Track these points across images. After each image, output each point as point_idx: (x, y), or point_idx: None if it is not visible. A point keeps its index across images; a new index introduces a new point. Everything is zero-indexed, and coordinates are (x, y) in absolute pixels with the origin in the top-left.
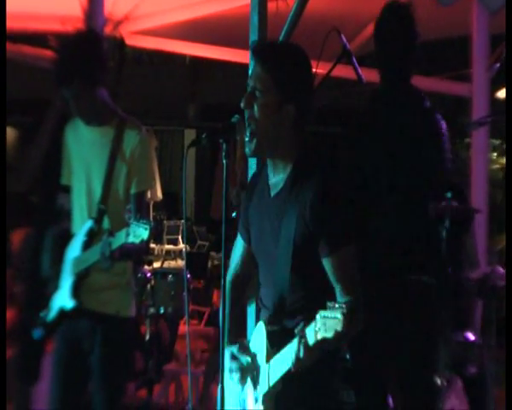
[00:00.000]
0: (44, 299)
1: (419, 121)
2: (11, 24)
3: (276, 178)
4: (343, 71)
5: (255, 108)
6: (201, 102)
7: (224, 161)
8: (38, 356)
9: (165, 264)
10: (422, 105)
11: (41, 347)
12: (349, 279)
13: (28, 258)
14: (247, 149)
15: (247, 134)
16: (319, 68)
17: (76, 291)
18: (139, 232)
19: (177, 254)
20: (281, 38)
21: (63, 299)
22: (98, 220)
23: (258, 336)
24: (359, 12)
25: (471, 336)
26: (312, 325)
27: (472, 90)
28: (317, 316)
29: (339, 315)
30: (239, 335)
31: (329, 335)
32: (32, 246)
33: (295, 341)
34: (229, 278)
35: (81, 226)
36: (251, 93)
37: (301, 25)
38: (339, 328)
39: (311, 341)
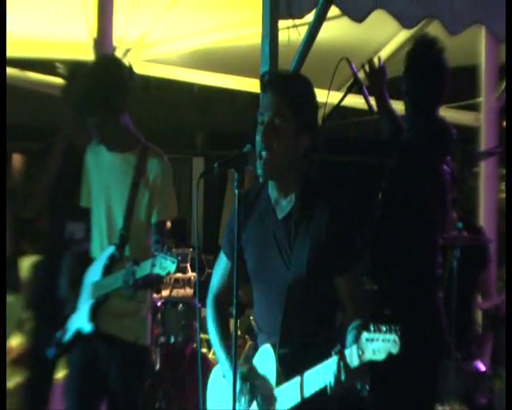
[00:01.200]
0: (55, 325)
1: (440, 152)
2: (19, 51)
3: (284, 201)
4: (352, 100)
5: (274, 137)
6: (209, 130)
7: (236, 191)
8: (47, 384)
9: (174, 292)
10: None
11: (50, 374)
12: (363, 298)
13: (37, 285)
14: (259, 171)
15: (262, 157)
16: (329, 98)
17: (94, 315)
18: (166, 265)
19: (185, 282)
20: (292, 68)
21: (80, 322)
22: (120, 247)
23: (264, 360)
24: (369, 40)
25: (482, 367)
26: (354, 347)
27: (481, 120)
28: (362, 338)
29: (394, 337)
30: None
31: (381, 357)
32: (41, 273)
33: (333, 362)
34: (210, 298)
35: (100, 251)
36: (270, 123)
37: (311, 54)
38: (394, 350)
39: (353, 363)
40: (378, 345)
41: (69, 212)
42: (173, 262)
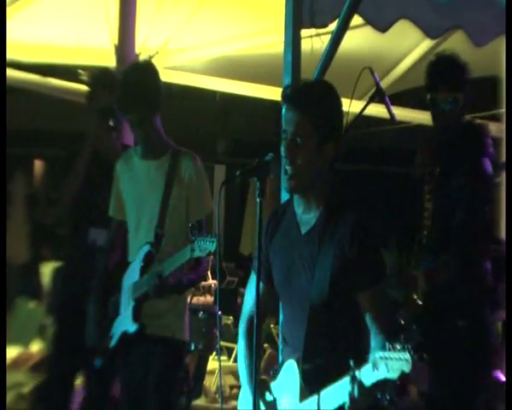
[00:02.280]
0: (77, 332)
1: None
2: (40, 57)
3: (308, 215)
4: (375, 109)
5: (297, 153)
6: (231, 137)
7: (258, 200)
8: (68, 390)
9: (194, 299)
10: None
11: (70, 381)
12: (386, 315)
13: (59, 292)
14: (286, 186)
15: (287, 172)
16: (351, 107)
17: (138, 315)
18: (205, 246)
19: (205, 290)
20: (314, 77)
21: (125, 323)
22: (156, 244)
23: (288, 375)
24: (392, 50)
25: (502, 377)
26: (369, 365)
27: (503, 130)
28: (376, 356)
29: (407, 356)
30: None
31: (394, 375)
32: (63, 280)
33: (346, 380)
34: (244, 320)
35: (135, 254)
36: (292, 141)
37: (334, 63)
38: (406, 369)
39: (368, 382)
40: (392, 364)
41: (92, 218)
42: (212, 242)
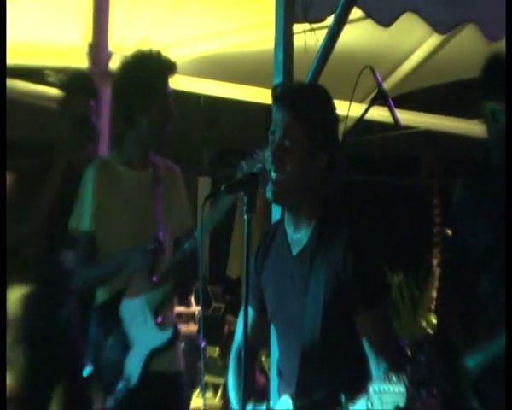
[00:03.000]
0: (52, 364)
1: None
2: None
3: (298, 235)
4: (377, 113)
5: (285, 158)
6: (217, 146)
7: (246, 217)
8: None
9: None
10: None
11: None
12: (387, 341)
13: (30, 320)
14: (268, 194)
15: (272, 180)
16: (351, 111)
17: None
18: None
19: (189, 317)
20: (308, 77)
21: (150, 342)
22: (157, 252)
23: None
24: (396, 46)
25: None
26: (363, 399)
27: None
28: (370, 390)
29: (402, 388)
30: None
31: (389, 408)
32: (32, 306)
33: None
34: (235, 354)
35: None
36: (280, 145)
37: (331, 61)
38: (401, 403)
39: None
40: (386, 397)
41: (65, 237)
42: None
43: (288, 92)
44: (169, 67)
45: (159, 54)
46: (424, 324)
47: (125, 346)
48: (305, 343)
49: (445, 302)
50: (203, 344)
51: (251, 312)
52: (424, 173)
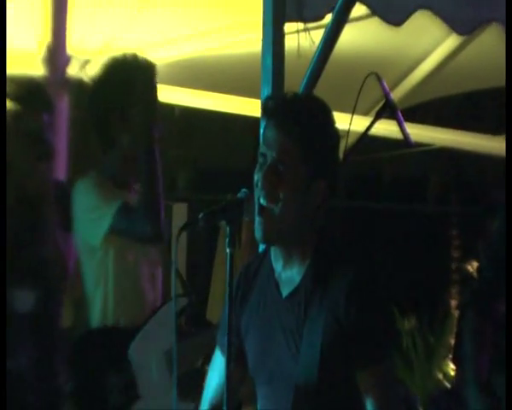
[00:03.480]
0: None
1: None
2: None
3: (289, 273)
4: (384, 128)
5: (278, 185)
6: (195, 167)
7: (228, 250)
8: None
9: None
10: None
11: None
12: (394, 401)
13: None
14: (259, 235)
15: (260, 211)
16: (353, 125)
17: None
18: None
19: None
20: (302, 86)
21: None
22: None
23: None
24: (406, 50)
25: None
26: None
27: None
28: None
29: None
30: None
31: None
32: None
33: None
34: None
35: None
36: (273, 168)
37: (329, 67)
38: None
39: None
40: None
41: (15, 276)
42: None
43: (281, 108)
44: (149, 70)
45: (135, 57)
46: (440, 376)
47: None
48: (296, 403)
49: (475, 338)
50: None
51: (223, 362)
52: (438, 198)
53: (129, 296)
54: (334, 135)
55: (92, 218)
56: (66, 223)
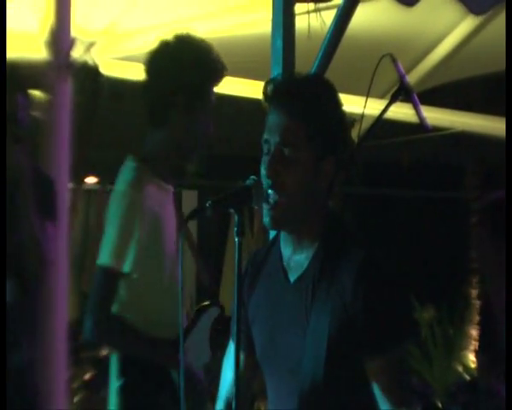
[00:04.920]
0: None
1: None
2: None
3: (298, 258)
4: (402, 112)
5: (284, 171)
6: (205, 152)
7: (237, 239)
8: None
9: None
10: None
11: None
12: (401, 391)
13: None
14: (266, 220)
15: (270, 201)
16: (369, 109)
17: None
18: None
19: None
20: (314, 68)
21: None
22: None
23: None
24: (422, 31)
25: None
26: None
27: None
28: None
29: None
30: None
31: None
32: None
33: None
34: (221, 405)
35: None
36: (277, 154)
37: (342, 49)
38: None
39: None
40: None
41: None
42: None
43: (283, 87)
44: (220, 69)
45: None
46: (460, 368)
47: None
48: (303, 390)
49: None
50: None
51: (243, 358)
52: (467, 185)
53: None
54: (340, 113)
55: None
56: (43, 208)
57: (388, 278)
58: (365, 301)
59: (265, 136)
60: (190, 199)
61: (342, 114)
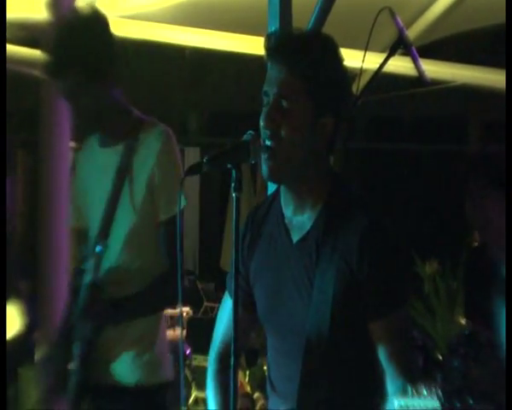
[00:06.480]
0: None
1: None
2: None
3: (300, 218)
4: (402, 66)
5: (282, 122)
6: (207, 110)
7: (234, 195)
8: None
9: None
10: None
11: None
12: (405, 353)
13: None
14: (264, 170)
15: (266, 152)
16: (368, 63)
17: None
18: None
19: (175, 321)
20: (311, 23)
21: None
22: (96, 268)
23: None
24: None
25: None
26: None
27: None
28: (395, 406)
29: (436, 404)
30: None
31: None
32: None
33: None
34: (213, 356)
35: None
36: (275, 105)
37: (339, 3)
38: None
39: None
40: None
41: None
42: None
43: (284, 42)
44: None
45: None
46: (463, 321)
47: None
48: (307, 351)
49: None
50: (188, 352)
51: (232, 306)
52: (472, 138)
53: None
54: (341, 70)
55: None
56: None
57: (393, 240)
58: (371, 263)
59: (265, 88)
60: (193, 156)
61: (343, 71)
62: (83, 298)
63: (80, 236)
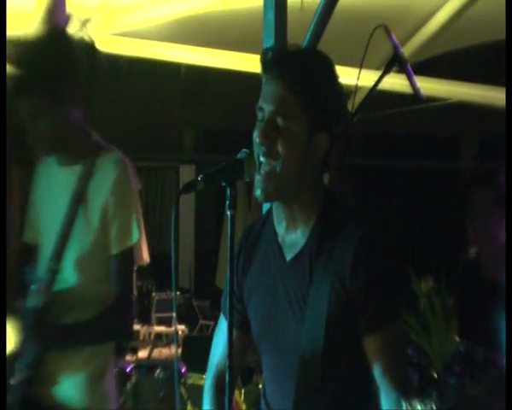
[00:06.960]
0: None
1: None
2: None
3: (293, 235)
4: (398, 83)
5: (277, 140)
6: (202, 127)
7: (229, 213)
8: None
9: (155, 352)
10: None
11: None
12: (399, 368)
13: None
14: (258, 192)
15: (261, 173)
16: (364, 80)
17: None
18: None
19: (170, 339)
20: (306, 40)
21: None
22: (46, 288)
23: None
24: (416, 2)
25: None
26: None
27: None
28: None
29: None
30: None
31: None
32: None
33: None
34: (209, 381)
35: None
36: (270, 122)
37: (334, 20)
38: None
39: None
40: None
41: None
42: None
43: (280, 56)
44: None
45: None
46: (458, 339)
47: None
48: (301, 370)
49: None
50: (183, 370)
51: (235, 333)
52: (464, 155)
53: None
54: (337, 87)
55: None
56: None
57: (387, 255)
58: (365, 278)
59: (260, 103)
60: (188, 174)
61: (338, 89)
62: (29, 321)
63: (32, 252)
